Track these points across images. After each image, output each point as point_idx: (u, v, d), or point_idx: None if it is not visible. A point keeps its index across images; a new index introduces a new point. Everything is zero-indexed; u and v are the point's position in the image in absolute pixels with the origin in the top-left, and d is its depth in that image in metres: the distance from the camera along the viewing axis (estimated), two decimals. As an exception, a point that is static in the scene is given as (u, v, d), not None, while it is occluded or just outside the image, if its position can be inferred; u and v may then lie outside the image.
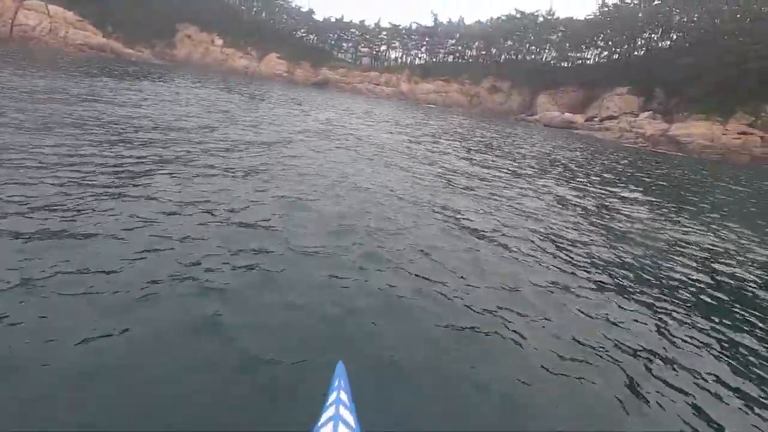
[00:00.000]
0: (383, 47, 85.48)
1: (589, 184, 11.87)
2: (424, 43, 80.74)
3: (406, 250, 4.68)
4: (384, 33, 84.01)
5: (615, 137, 41.07)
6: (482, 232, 5.78)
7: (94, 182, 5.18)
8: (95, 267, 3.32)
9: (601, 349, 3.36)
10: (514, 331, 3.38)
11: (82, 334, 2.60)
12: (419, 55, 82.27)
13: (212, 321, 2.90)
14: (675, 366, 3.30)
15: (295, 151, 9.49)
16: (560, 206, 8.29)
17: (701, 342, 3.74)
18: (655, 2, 58.25)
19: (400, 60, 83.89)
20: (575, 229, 6.74)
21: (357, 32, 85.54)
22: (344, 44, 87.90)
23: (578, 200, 9.20)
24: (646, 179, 15.42)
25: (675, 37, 55.53)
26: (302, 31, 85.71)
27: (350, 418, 1.25)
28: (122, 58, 52.65)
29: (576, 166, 15.72)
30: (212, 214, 4.75)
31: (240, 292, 3.29)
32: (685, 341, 3.70)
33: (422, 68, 74.28)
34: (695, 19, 52.07)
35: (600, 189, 11.29)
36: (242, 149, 8.63)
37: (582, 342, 3.41)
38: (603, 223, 7.52)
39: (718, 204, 12.21)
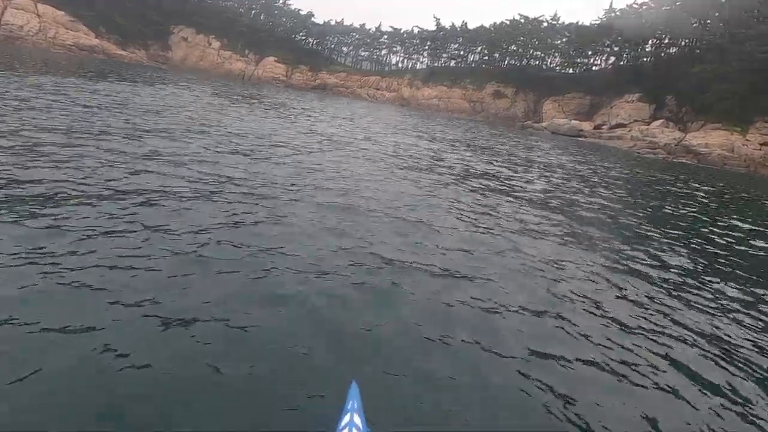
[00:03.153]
0: (384, 51, 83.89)
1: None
2: (426, 47, 79.12)
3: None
4: (385, 37, 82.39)
5: (628, 146, 39.21)
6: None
7: None
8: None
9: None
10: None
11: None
12: (421, 60, 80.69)
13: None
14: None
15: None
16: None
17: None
18: (665, 7, 56.64)
19: (401, 64, 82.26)
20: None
21: (357, 36, 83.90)
22: (344, 48, 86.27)
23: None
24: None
25: (685, 43, 53.88)
26: (301, 34, 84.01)
27: None
28: (115, 60, 50.69)
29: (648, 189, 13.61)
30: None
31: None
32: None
33: (424, 73, 72.55)
34: (708, 24, 50.40)
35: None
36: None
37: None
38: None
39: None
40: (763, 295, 5.18)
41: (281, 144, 10.44)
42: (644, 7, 60.31)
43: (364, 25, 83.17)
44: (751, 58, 39.54)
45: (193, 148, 8.01)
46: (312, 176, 7.48)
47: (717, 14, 49.96)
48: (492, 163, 13.88)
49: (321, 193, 6.41)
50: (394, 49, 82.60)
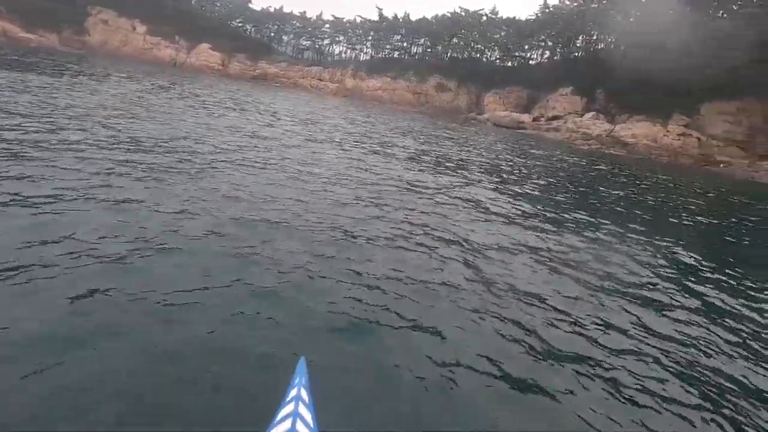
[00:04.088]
0: (326, 41, 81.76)
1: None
2: (369, 38, 78.07)
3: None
4: (327, 26, 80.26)
5: (565, 138, 41.07)
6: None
7: None
8: None
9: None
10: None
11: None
12: (364, 51, 79.54)
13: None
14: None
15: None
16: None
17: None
18: (593, 5, 59.81)
19: (344, 55, 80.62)
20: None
21: (298, 24, 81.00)
22: (284, 37, 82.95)
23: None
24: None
25: (612, 39, 57.26)
26: (238, 21, 79.56)
27: (308, 416, 1.23)
28: (19, 44, 44.82)
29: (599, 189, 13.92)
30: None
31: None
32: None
33: (368, 64, 71.58)
34: (634, 21, 53.82)
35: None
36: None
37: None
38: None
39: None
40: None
41: (195, 150, 9.27)
42: (575, 4, 63.35)
43: (304, 13, 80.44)
44: (673, 56, 42.57)
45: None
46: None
47: (638, 13, 53.44)
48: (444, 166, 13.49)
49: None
50: (337, 39, 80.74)
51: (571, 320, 4.08)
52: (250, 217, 5.25)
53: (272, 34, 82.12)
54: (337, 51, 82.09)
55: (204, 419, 2.26)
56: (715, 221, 11.82)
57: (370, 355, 3.02)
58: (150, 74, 31.54)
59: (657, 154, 36.38)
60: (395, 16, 75.40)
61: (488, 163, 15.32)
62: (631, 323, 4.23)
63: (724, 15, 48.62)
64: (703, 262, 6.82)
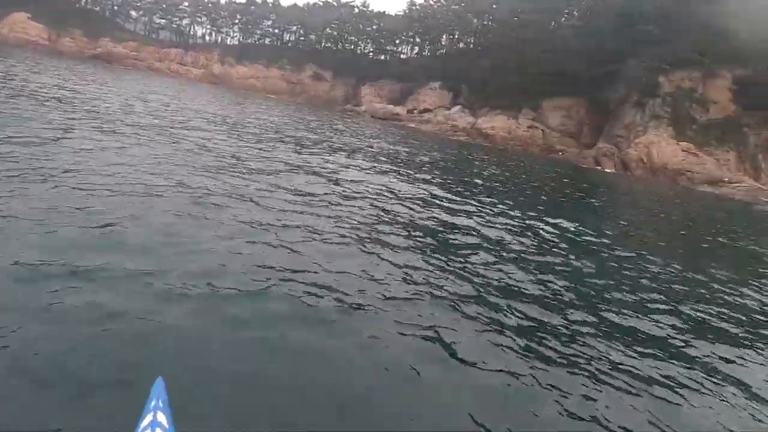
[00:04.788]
0: (186, 21, 73.62)
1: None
2: (237, 21, 72.65)
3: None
4: (186, 4, 72.21)
5: (436, 129, 43.92)
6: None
7: None
8: None
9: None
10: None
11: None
12: (232, 35, 73.86)
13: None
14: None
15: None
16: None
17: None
18: (453, 6, 64.86)
19: (208, 38, 73.72)
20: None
21: (150, -1, 71.28)
22: (133, 12, 72.25)
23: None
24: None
25: (471, 39, 62.90)
26: (67, -12, 66.50)
27: None
28: None
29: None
30: None
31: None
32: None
33: (237, 49, 66.63)
34: (487, 25, 59.75)
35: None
36: None
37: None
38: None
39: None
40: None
41: None
42: (437, 5, 67.92)
43: (157, -14, 70.99)
44: (518, 58, 48.50)
45: None
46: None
47: (491, 17, 59.66)
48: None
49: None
50: (199, 19, 73.29)
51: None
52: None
53: (116, 8, 70.80)
54: (200, 33, 74.74)
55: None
56: (550, 195, 15.47)
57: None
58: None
59: (513, 144, 41.28)
60: (264, 1, 71.47)
61: (388, 151, 15.63)
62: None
63: (555, 25, 57.20)
64: (530, 221, 9.02)
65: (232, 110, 23.18)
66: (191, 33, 74.19)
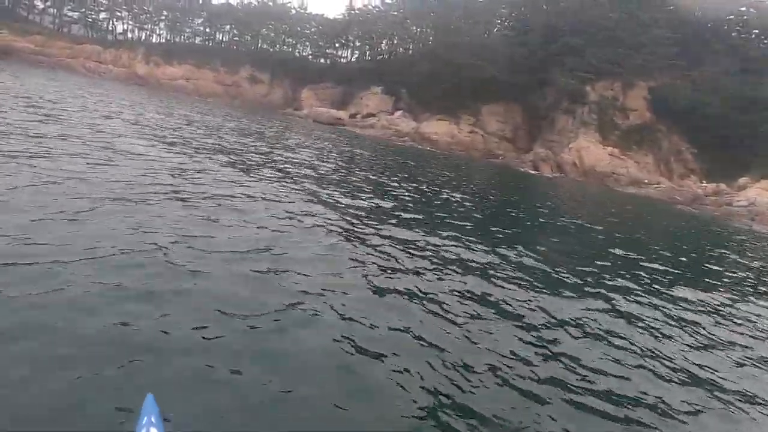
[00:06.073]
0: (103, 15, 67.14)
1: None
2: (163, 17, 67.63)
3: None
4: (102, -4, 65.94)
5: (380, 134, 43.71)
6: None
7: None
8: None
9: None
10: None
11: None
12: (158, 32, 68.66)
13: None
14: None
15: None
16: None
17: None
18: (392, 12, 65.40)
19: (131, 35, 67.81)
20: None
21: (58, -11, 64.01)
22: (39, 3, 64.45)
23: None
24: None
25: (411, 46, 63.73)
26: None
27: None
28: None
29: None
30: None
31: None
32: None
33: (164, 48, 61.95)
34: (426, 31, 60.87)
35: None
36: None
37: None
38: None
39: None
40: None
41: None
42: (376, 10, 68.17)
43: (67, -25, 63.99)
44: (456, 65, 49.77)
45: None
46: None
47: (429, 24, 60.93)
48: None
49: None
50: (118, 13, 67.19)
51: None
52: None
53: (16, -4, 62.74)
54: (120, 29, 68.41)
55: None
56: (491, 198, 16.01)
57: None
58: None
59: (456, 148, 42.16)
60: (194, -3, 67.37)
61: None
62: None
63: (488, 35, 59.69)
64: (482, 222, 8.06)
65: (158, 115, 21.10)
66: (110, 28, 67.80)
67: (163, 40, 67.57)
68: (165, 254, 4.36)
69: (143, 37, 67.55)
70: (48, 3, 64.28)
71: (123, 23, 68.32)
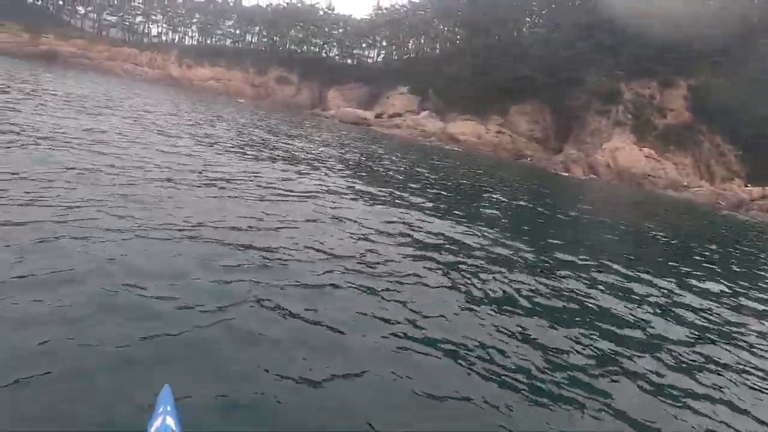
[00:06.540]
0: (139, 18, 69.62)
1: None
2: (195, 20, 69.51)
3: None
4: (139, 0, 68.30)
5: (407, 134, 43.47)
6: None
7: None
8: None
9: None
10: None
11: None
12: (190, 35, 70.53)
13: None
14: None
15: None
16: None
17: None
18: (419, 12, 65.06)
19: (165, 37, 70.02)
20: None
21: (99, -6, 66.75)
22: (80, 8, 67.43)
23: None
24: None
25: (438, 45, 63.23)
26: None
27: None
28: None
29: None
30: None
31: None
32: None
33: (196, 50, 63.64)
34: (454, 30, 60.25)
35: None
36: None
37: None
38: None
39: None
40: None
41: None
42: (403, 9, 67.94)
43: (107, -19, 66.65)
44: (484, 64, 49.08)
45: None
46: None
47: (457, 23, 60.26)
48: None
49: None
50: (153, 17, 69.50)
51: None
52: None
53: (61, 2, 65.85)
54: (155, 32, 70.79)
55: None
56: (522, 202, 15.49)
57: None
58: None
59: (483, 149, 41.51)
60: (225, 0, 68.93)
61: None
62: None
63: (517, 33, 58.55)
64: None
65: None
66: (145, 31, 70.22)
67: (195, 42, 69.40)
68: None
69: (176, 39, 69.62)
70: (89, 8, 67.13)
71: (157, 26, 70.70)
